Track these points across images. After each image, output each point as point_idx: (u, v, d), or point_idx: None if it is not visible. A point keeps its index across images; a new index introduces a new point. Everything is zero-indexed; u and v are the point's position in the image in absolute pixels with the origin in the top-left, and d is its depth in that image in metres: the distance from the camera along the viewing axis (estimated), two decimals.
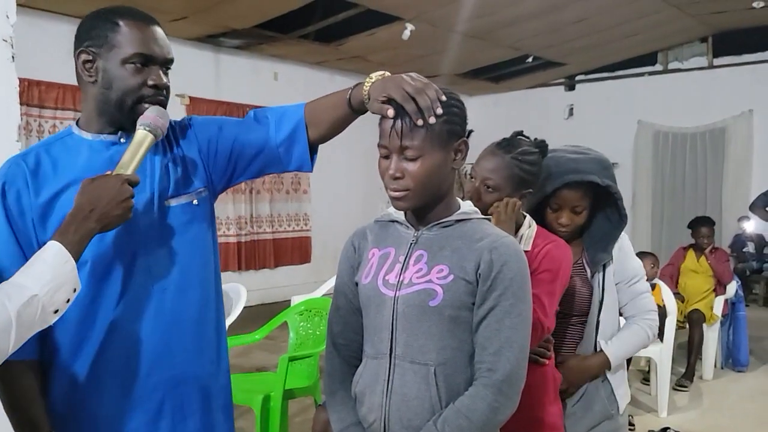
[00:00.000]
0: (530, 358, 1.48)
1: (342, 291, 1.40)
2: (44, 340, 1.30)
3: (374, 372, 1.30)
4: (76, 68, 1.34)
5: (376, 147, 1.28)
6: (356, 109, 1.36)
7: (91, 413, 1.31)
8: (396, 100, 1.21)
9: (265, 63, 7.38)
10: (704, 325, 4.65)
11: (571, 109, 9.13)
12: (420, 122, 1.20)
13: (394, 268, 1.30)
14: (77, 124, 1.39)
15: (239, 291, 3.50)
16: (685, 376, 4.49)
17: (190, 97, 6.58)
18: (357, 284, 1.36)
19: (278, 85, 7.39)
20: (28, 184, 1.30)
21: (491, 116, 8.05)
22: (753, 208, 5.78)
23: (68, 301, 1.17)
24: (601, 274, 1.77)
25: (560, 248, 1.58)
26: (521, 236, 1.60)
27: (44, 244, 1.19)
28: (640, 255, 4.31)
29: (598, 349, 1.77)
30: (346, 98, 1.36)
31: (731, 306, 4.91)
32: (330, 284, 3.56)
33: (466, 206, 1.35)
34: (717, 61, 8.10)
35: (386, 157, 1.26)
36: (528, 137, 1.66)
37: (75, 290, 1.18)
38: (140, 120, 1.29)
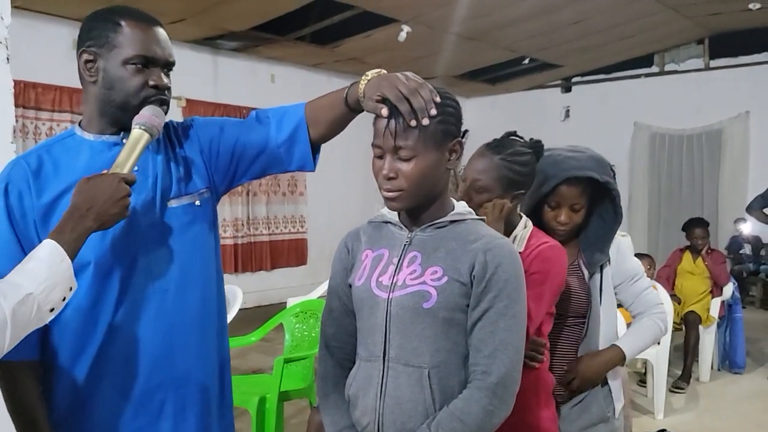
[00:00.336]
0: None
1: (335, 293, 1.39)
2: (46, 341, 1.30)
3: (368, 375, 1.29)
4: (78, 68, 1.35)
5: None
6: (353, 108, 1.35)
7: (92, 414, 1.31)
8: (390, 100, 1.20)
9: (262, 65, 7.38)
10: (700, 326, 4.64)
11: (568, 110, 9.14)
12: (413, 123, 1.19)
13: (387, 270, 1.29)
14: (80, 124, 1.39)
15: (235, 293, 3.49)
16: (682, 378, 4.48)
17: (187, 99, 6.57)
18: (350, 286, 1.35)
19: (275, 87, 7.39)
20: (30, 185, 1.30)
21: (488, 118, 8.04)
22: (750, 210, 5.78)
23: (64, 299, 1.16)
24: (598, 275, 1.76)
25: (552, 250, 1.55)
26: (515, 237, 1.59)
27: None
28: (636, 257, 4.32)
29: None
30: (343, 97, 1.36)
31: (728, 308, 4.91)
32: (326, 286, 3.55)
33: (461, 207, 1.33)
34: (713, 63, 8.11)
35: (380, 156, 1.25)
36: (521, 138, 1.64)
37: (71, 289, 1.18)
38: (136, 119, 1.29)
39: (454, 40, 6.97)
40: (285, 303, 3.85)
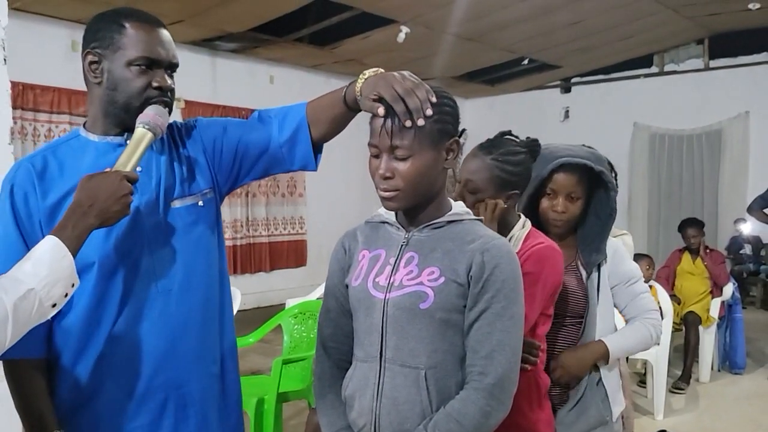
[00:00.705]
0: None
1: (332, 293, 1.38)
2: (51, 340, 1.33)
3: (364, 375, 1.28)
4: (83, 69, 1.36)
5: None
6: (351, 107, 1.36)
7: (95, 411, 1.33)
8: (386, 100, 1.20)
9: (261, 66, 7.38)
10: (700, 327, 4.64)
11: (567, 111, 9.14)
12: (408, 123, 1.19)
13: (384, 270, 1.28)
14: (84, 126, 1.40)
15: (234, 294, 3.47)
16: (682, 378, 4.47)
17: (186, 101, 6.57)
18: (347, 286, 1.34)
19: (274, 88, 7.38)
20: (35, 186, 1.31)
21: (486, 119, 8.05)
22: (750, 210, 5.78)
23: (66, 295, 1.17)
24: (596, 274, 1.75)
25: (547, 250, 1.52)
26: (512, 237, 1.58)
27: None
28: (636, 257, 4.32)
29: None
30: (341, 96, 1.36)
31: (728, 308, 4.90)
32: None
33: (458, 207, 1.33)
34: (713, 63, 8.11)
35: (376, 156, 1.25)
36: (516, 137, 1.63)
37: (73, 285, 1.19)
38: (140, 118, 1.31)
39: (453, 41, 6.96)
40: (284, 304, 3.84)
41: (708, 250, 4.85)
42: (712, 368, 4.78)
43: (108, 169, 1.25)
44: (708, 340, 4.68)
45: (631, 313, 1.81)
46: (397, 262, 1.28)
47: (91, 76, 1.35)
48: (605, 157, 1.86)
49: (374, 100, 1.21)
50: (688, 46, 8.24)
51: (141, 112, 1.32)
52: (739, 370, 4.79)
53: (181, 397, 1.37)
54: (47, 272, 1.13)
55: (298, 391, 3.04)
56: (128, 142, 1.34)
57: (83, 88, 1.39)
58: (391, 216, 1.34)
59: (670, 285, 4.78)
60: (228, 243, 7.03)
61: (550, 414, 1.60)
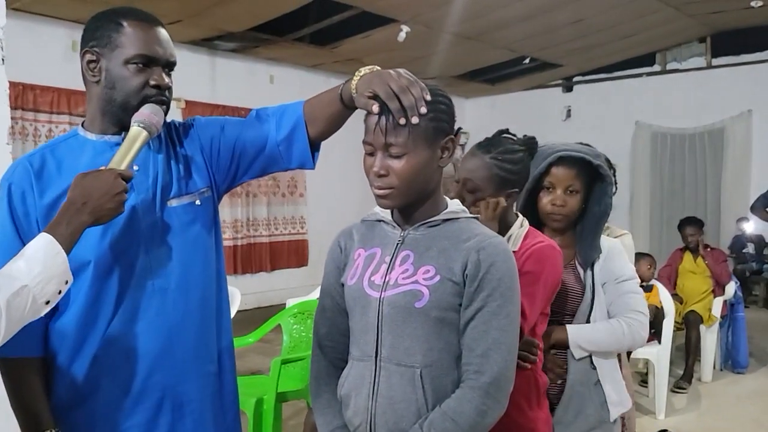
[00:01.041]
0: None
1: (328, 292, 1.38)
2: (47, 338, 1.33)
3: (360, 374, 1.27)
4: (81, 68, 1.36)
5: None
6: (348, 105, 1.35)
7: (92, 410, 1.33)
8: (380, 97, 1.19)
9: (261, 66, 7.37)
10: (703, 326, 4.62)
11: (569, 110, 9.12)
12: (402, 121, 1.18)
13: (380, 269, 1.28)
14: (83, 125, 1.41)
15: (232, 294, 3.47)
16: (683, 378, 4.46)
17: (185, 101, 6.57)
18: (343, 285, 1.34)
19: (274, 88, 7.37)
20: (33, 185, 1.32)
21: (488, 118, 8.03)
22: (753, 209, 5.77)
23: (60, 292, 1.17)
24: (591, 272, 1.74)
25: (547, 249, 1.52)
26: (510, 236, 1.57)
27: None
28: (637, 256, 4.30)
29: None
30: (338, 94, 1.36)
31: (730, 307, 4.89)
32: None
33: (454, 205, 1.32)
34: (716, 62, 8.09)
35: (371, 154, 1.24)
36: (514, 136, 1.63)
37: (67, 282, 1.19)
38: (135, 117, 1.31)
39: (453, 40, 6.95)
40: (285, 304, 3.83)
41: (709, 249, 4.84)
42: (714, 368, 4.76)
43: (103, 167, 1.25)
44: (710, 339, 4.67)
45: (614, 310, 1.74)
46: (393, 260, 1.27)
47: (90, 75, 1.36)
48: (603, 154, 1.86)
49: (369, 98, 1.21)
50: (691, 45, 8.21)
51: (138, 110, 1.33)
52: (741, 369, 4.77)
53: (178, 395, 1.37)
54: (41, 269, 1.13)
55: (297, 391, 3.03)
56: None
57: (83, 88, 1.40)
58: (386, 214, 1.33)
59: (672, 284, 4.77)
60: (229, 243, 7.02)
61: (548, 413, 1.60)
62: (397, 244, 1.28)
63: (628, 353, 3.39)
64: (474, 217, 1.33)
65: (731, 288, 4.80)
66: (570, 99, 9.18)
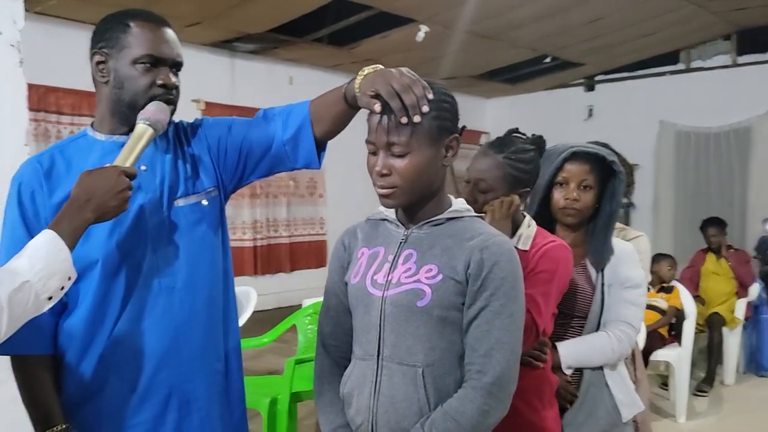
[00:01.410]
0: (524, 361, 1.44)
1: (332, 291, 1.38)
2: (57, 336, 1.35)
3: (362, 373, 1.27)
4: (91, 70, 1.39)
5: None
6: (351, 104, 1.35)
7: (100, 406, 1.35)
8: (382, 96, 1.18)
9: (280, 67, 7.40)
10: (726, 328, 4.54)
11: (591, 110, 9.01)
12: (404, 120, 1.17)
13: (382, 268, 1.27)
14: (92, 125, 1.43)
15: (249, 294, 3.48)
16: (705, 381, 4.39)
17: (205, 102, 6.62)
18: (347, 284, 1.34)
19: (293, 89, 7.40)
20: (42, 184, 1.34)
21: (508, 118, 7.94)
22: None
23: (63, 288, 1.18)
24: (601, 273, 1.72)
25: (559, 249, 1.53)
26: (520, 236, 1.57)
27: None
28: (658, 257, 4.25)
29: None
30: (342, 93, 1.36)
31: (754, 309, 4.80)
32: None
33: (458, 204, 1.31)
34: (741, 59, 7.92)
35: (374, 153, 1.24)
36: (524, 135, 1.62)
37: (70, 278, 1.20)
38: (140, 114, 1.33)
39: (472, 39, 6.91)
40: (303, 305, 3.84)
41: (732, 250, 4.75)
42: (737, 370, 4.67)
43: (107, 165, 1.27)
44: (733, 341, 4.59)
45: (608, 317, 1.69)
46: (396, 259, 1.27)
47: (99, 76, 1.38)
48: (619, 153, 1.86)
49: (371, 97, 1.21)
50: (715, 42, 8.06)
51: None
52: (764, 372, 4.70)
53: (184, 393, 1.39)
54: (43, 265, 1.14)
55: (312, 391, 3.03)
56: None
57: None
58: (391, 213, 1.33)
59: (694, 286, 4.69)
60: (248, 244, 7.07)
61: (557, 412, 1.60)
62: (401, 242, 1.28)
63: (644, 357, 3.34)
64: (478, 216, 1.32)
65: (755, 289, 4.72)
66: (592, 98, 9.07)
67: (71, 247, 1.19)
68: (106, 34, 1.36)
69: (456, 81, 8.28)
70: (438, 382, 1.21)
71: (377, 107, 1.19)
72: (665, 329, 4.03)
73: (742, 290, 4.65)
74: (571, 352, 1.67)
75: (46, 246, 1.16)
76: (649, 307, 4.01)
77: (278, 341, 3.47)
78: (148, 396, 1.36)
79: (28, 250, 1.16)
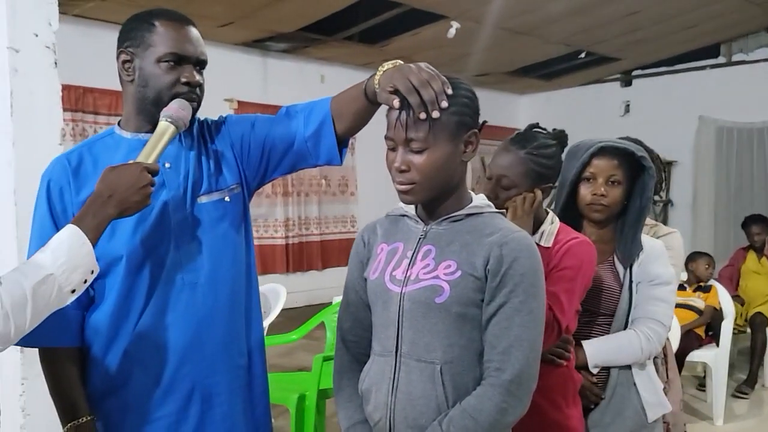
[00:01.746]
0: (547, 359, 1.42)
1: (352, 287, 1.38)
2: (83, 330, 1.38)
3: (380, 369, 1.27)
4: (117, 69, 1.41)
5: None
6: (372, 100, 1.35)
7: (125, 399, 1.38)
8: (400, 91, 1.18)
9: (312, 66, 7.44)
10: (767, 329, 4.39)
11: (628, 105, 8.83)
12: (423, 116, 1.16)
13: (401, 264, 1.27)
14: (119, 124, 1.45)
15: (278, 292, 3.51)
16: (746, 382, 4.25)
17: (238, 101, 6.69)
18: (366, 280, 1.33)
19: (325, 87, 7.43)
20: (70, 181, 1.38)
21: (543, 115, 7.84)
22: None
23: (86, 282, 1.21)
24: (629, 270, 1.67)
25: (583, 245, 1.51)
26: (542, 232, 1.54)
27: None
28: (695, 255, 4.14)
29: None
30: (362, 89, 1.36)
31: None
32: None
33: (479, 200, 1.30)
34: None
35: (393, 149, 1.23)
36: (545, 129, 1.59)
37: (93, 272, 1.22)
38: (163, 111, 1.35)
39: (504, 35, 6.83)
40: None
41: None
42: None
43: (131, 161, 1.29)
44: None
45: (636, 314, 1.66)
46: (415, 255, 1.26)
47: (124, 75, 1.40)
48: (653, 149, 1.83)
49: (390, 93, 1.20)
50: (758, 35, 7.81)
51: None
52: None
53: (207, 387, 1.40)
54: (66, 258, 1.16)
55: None
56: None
57: None
58: (410, 209, 1.32)
59: (734, 285, 4.56)
60: (280, 242, 7.14)
61: (581, 410, 1.57)
62: (420, 238, 1.27)
63: (680, 358, 3.25)
64: (499, 212, 1.30)
65: None
66: (629, 93, 8.89)
67: (94, 241, 1.21)
68: (131, 34, 1.39)
69: (488, 78, 8.20)
70: (456, 379, 1.19)
71: (396, 103, 1.19)
72: (702, 329, 3.93)
73: None
74: (598, 350, 1.64)
75: (69, 240, 1.18)
76: (686, 306, 3.91)
77: (309, 338, 3.48)
78: (171, 390, 1.38)
79: (52, 244, 1.18)
